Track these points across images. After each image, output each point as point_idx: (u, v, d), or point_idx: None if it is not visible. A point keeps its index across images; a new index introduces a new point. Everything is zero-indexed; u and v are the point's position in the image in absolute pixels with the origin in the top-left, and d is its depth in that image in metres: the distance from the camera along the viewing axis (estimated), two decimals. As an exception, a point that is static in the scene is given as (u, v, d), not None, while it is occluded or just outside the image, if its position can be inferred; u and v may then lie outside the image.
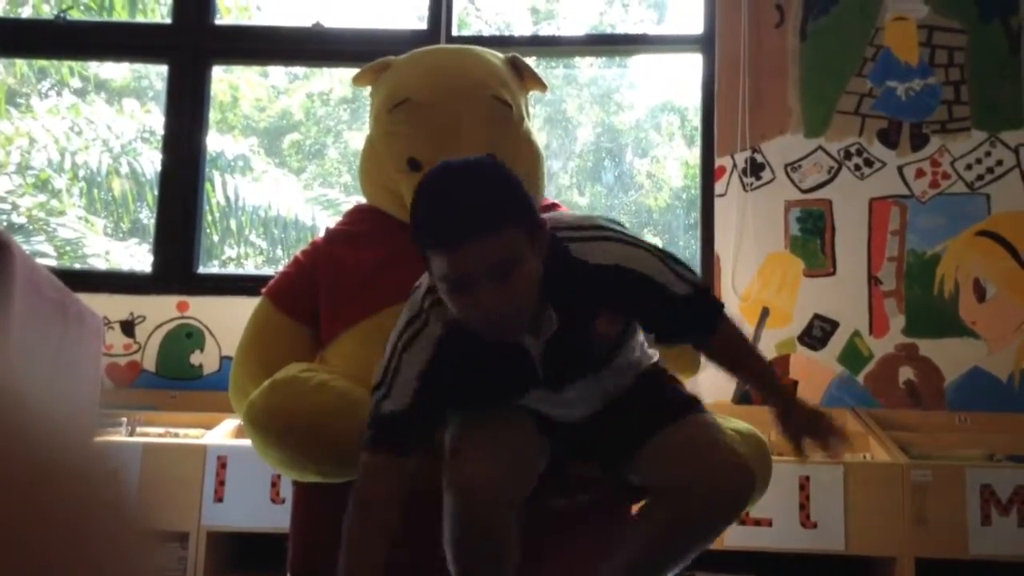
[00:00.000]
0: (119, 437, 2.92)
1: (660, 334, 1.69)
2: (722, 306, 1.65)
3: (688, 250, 5.76)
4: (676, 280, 1.56)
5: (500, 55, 2.23)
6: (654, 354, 1.78)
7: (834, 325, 3.26)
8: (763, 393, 1.71)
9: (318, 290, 2.11)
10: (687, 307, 1.57)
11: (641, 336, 1.72)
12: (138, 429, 3.03)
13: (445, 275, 1.40)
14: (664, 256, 1.57)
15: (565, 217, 1.61)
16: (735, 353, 1.68)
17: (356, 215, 2.25)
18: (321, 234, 2.26)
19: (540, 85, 2.25)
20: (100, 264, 6.25)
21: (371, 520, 1.53)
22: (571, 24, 7.65)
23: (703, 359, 1.78)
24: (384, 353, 1.58)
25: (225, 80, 7.01)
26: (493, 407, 1.65)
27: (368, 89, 2.26)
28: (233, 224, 6.81)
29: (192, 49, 3.68)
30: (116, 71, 7.10)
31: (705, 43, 3.50)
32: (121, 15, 6.12)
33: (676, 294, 1.55)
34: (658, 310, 1.58)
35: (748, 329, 3.25)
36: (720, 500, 1.54)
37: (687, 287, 1.57)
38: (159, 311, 3.43)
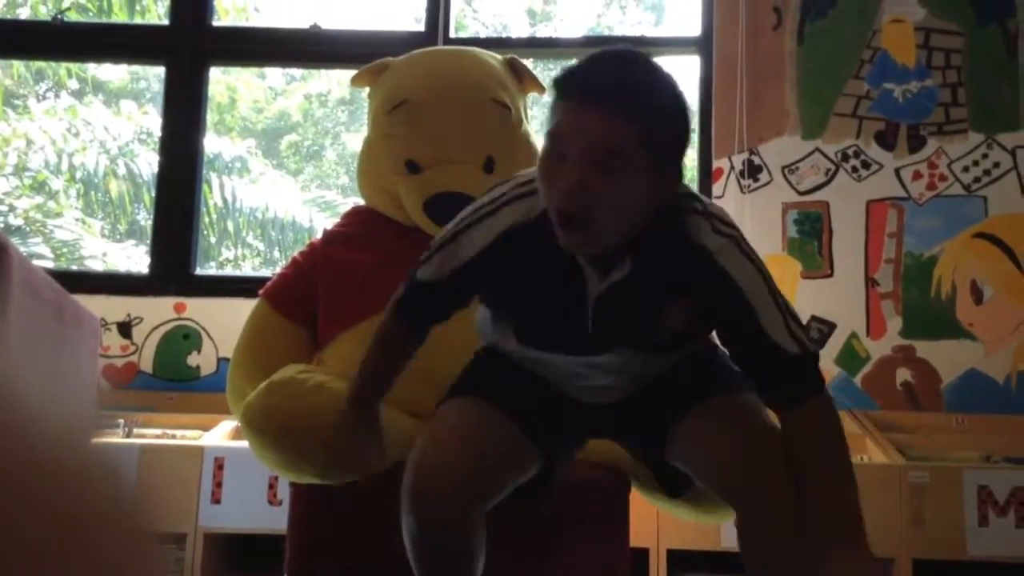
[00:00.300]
0: (116, 438, 2.92)
1: (737, 362, 1.49)
2: (821, 387, 1.43)
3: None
4: (786, 335, 1.39)
5: (498, 57, 2.23)
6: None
7: (831, 327, 3.26)
8: (822, 525, 1.36)
9: (315, 292, 2.11)
10: (784, 362, 1.39)
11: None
12: (135, 430, 3.02)
13: (554, 129, 1.30)
14: (785, 309, 1.40)
15: (713, 206, 1.45)
16: (814, 446, 1.41)
17: (354, 217, 2.25)
18: (319, 236, 2.26)
19: (538, 87, 2.25)
20: (97, 266, 6.24)
21: (386, 355, 1.61)
22: (568, 26, 7.65)
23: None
24: (445, 231, 1.51)
25: (223, 82, 7.01)
26: (531, 339, 1.53)
27: (366, 90, 2.26)
28: (231, 226, 6.81)
29: (189, 50, 3.68)
30: (114, 73, 7.10)
31: (702, 45, 3.51)
32: (119, 16, 6.12)
33: (776, 343, 1.38)
34: (741, 334, 1.42)
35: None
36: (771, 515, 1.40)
37: (795, 346, 1.39)
38: (156, 312, 3.43)
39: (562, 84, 1.32)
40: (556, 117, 1.30)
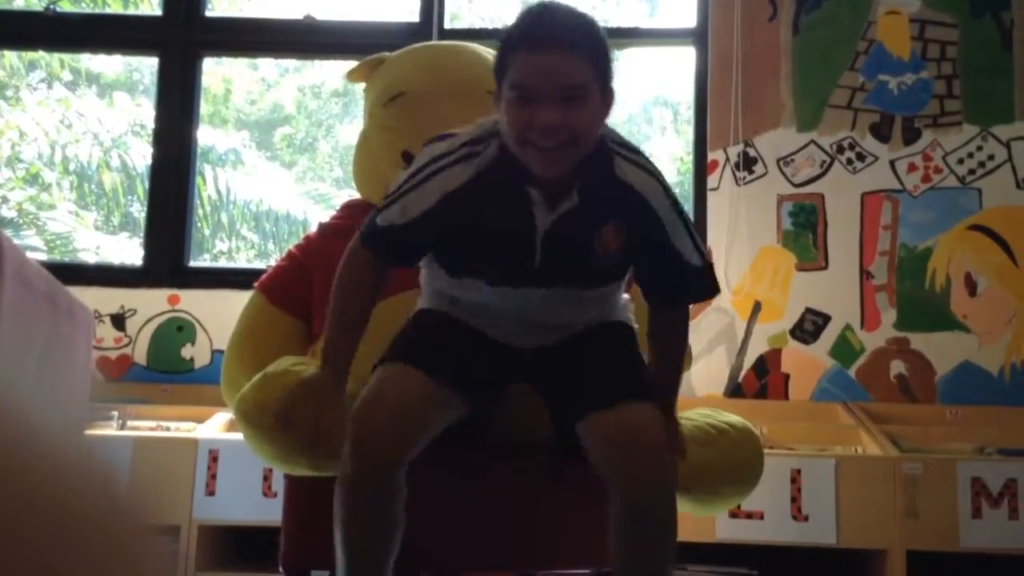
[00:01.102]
0: (110, 431, 2.92)
1: (647, 282, 1.72)
2: (714, 292, 1.72)
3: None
4: (691, 248, 1.63)
5: (494, 52, 2.23)
6: (630, 317, 1.80)
7: (826, 319, 3.27)
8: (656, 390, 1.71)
9: (311, 284, 2.11)
10: (686, 272, 1.64)
11: (626, 295, 1.78)
12: (129, 423, 3.02)
13: (519, 81, 1.49)
14: (688, 223, 1.64)
15: (621, 137, 1.67)
16: (677, 336, 1.74)
17: (348, 209, 2.24)
18: (313, 228, 2.25)
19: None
20: (90, 258, 6.23)
21: (352, 293, 1.67)
22: (563, 18, 7.62)
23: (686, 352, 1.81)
24: (402, 178, 1.63)
25: (217, 73, 6.98)
26: (476, 273, 1.67)
27: (362, 84, 2.26)
28: (224, 218, 6.80)
29: (182, 42, 3.66)
30: (107, 64, 7.06)
31: (698, 37, 3.50)
32: (112, 7, 6.09)
33: (682, 256, 1.62)
34: (657, 257, 1.64)
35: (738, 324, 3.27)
36: (651, 506, 1.56)
37: (698, 257, 1.64)
38: (150, 304, 3.42)
39: (520, 39, 1.51)
40: (521, 70, 1.49)
